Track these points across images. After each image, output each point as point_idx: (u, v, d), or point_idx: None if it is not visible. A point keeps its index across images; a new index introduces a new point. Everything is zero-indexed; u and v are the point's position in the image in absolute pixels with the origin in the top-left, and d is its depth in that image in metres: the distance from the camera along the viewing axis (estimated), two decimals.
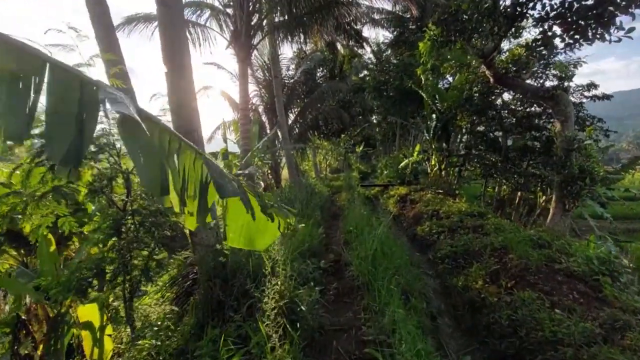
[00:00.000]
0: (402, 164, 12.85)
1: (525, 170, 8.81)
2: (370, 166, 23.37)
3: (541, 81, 7.99)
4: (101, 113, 1.15)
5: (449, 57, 8.29)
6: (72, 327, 3.31)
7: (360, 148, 23.23)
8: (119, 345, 3.25)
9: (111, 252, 2.99)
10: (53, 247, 3.44)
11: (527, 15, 5.17)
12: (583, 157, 6.40)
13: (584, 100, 8.19)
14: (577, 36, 4.74)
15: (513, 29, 5.39)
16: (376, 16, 18.63)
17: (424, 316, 3.01)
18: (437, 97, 10.66)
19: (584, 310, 3.01)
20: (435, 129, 11.22)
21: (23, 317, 3.01)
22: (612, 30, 4.52)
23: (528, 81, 7.89)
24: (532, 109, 8.94)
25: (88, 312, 3.25)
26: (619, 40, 4.65)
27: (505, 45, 7.13)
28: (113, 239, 3.07)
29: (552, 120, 9.33)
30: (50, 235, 3.35)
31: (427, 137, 13.24)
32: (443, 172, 11.39)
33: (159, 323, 3.04)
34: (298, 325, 2.43)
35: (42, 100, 1.05)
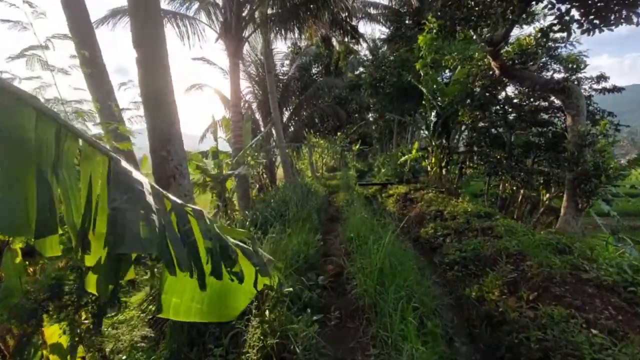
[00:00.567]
0: (400, 161, 12.44)
1: (532, 168, 8.42)
2: (367, 164, 23.02)
3: (549, 73, 7.58)
4: None
5: (453, 47, 7.84)
6: (40, 349, 2.84)
7: (357, 146, 22.85)
8: None
9: (69, 271, 2.52)
10: (19, 259, 2.96)
11: None
12: (597, 153, 6.01)
13: (593, 93, 7.82)
14: (596, 20, 4.33)
15: (524, 15, 4.97)
16: (372, 11, 18.21)
17: (441, 343, 2.57)
18: (437, 92, 10.24)
19: (625, 330, 2.60)
20: (435, 125, 10.81)
21: None
22: None
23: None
24: (538, 103, 8.54)
25: (56, 332, 2.78)
26: None
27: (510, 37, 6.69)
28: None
29: (558, 114, 8.96)
30: (17, 245, 2.87)
31: (427, 134, 12.84)
32: (444, 170, 11.00)
33: (129, 351, 2.58)
34: None
35: None
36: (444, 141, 10.82)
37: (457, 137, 13.49)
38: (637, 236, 8.39)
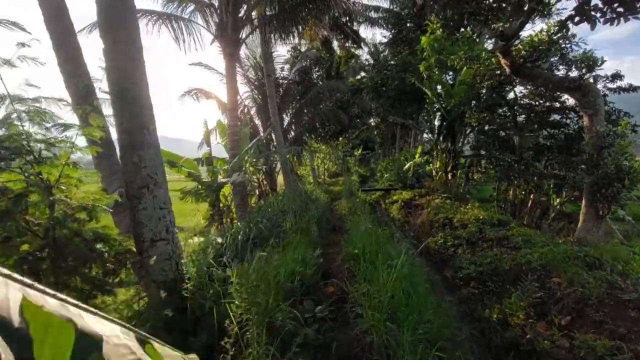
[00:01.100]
0: (405, 167, 12.01)
1: (545, 172, 7.97)
2: (369, 169, 22.61)
3: (561, 72, 7.17)
4: None
5: (457, 48, 7.46)
6: None
7: (359, 151, 22.48)
8: None
9: None
10: None
11: None
12: (618, 155, 5.57)
13: (607, 92, 7.40)
14: (621, 8, 3.94)
15: (541, 4, 4.59)
16: (373, 14, 17.97)
17: None
18: (442, 94, 9.86)
19: None
20: (440, 128, 10.41)
21: None
22: None
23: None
24: (550, 103, 8.11)
25: None
26: None
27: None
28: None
29: (570, 115, 8.54)
30: None
31: (431, 138, 12.44)
32: (449, 175, 10.56)
33: None
34: None
35: None
36: (449, 144, 10.41)
37: (462, 140, 13.08)
38: None
